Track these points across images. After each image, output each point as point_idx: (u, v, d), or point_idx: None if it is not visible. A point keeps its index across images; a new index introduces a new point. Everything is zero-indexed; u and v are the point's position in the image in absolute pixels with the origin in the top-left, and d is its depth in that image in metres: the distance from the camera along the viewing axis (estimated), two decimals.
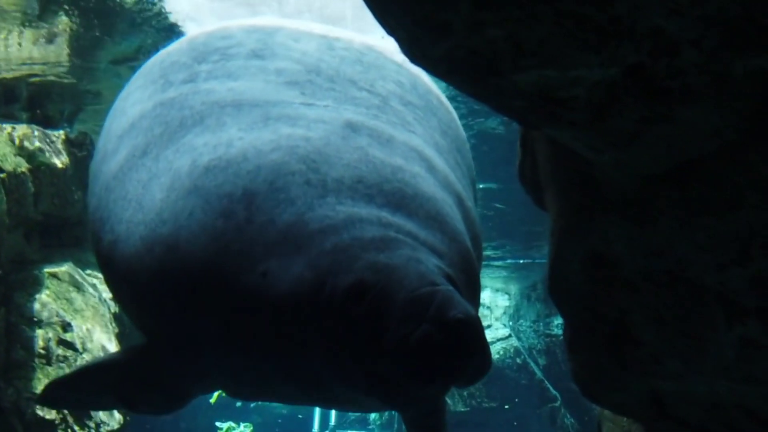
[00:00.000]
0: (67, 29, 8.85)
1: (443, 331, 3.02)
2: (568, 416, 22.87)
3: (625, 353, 3.50)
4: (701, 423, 3.73)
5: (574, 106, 2.89)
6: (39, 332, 9.20)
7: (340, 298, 3.19)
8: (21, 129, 10.37)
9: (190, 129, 3.66)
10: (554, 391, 22.87)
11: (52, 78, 10.05)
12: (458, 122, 4.97)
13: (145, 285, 3.62)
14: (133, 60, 9.42)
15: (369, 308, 3.14)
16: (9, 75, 9.88)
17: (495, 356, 21.47)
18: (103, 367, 4.18)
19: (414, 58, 2.95)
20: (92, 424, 8.80)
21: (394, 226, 3.41)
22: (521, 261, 20.95)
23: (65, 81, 10.18)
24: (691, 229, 3.06)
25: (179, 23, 8.82)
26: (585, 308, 3.53)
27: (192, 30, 8.78)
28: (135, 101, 4.15)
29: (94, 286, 10.10)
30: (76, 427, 8.72)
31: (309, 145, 3.53)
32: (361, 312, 3.15)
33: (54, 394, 4.50)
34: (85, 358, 9.36)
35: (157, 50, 4.72)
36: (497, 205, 15.43)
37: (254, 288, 3.33)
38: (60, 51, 9.30)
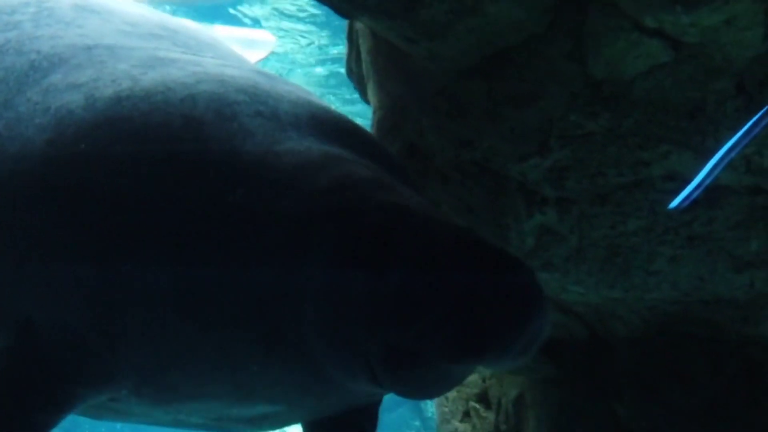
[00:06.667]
0: None
1: (508, 282, 2.37)
2: None
3: None
4: None
5: None
6: None
7: (356, 244, 2.51)
8: None
9: (52, 70, 3.05)
10: None
11: None
12: None
13: (40, 242, 2.80)
14: None
15: (400, 257, 2.44)
16: None
17: None
18: None
19: None
20: None
21: (376, 170, 2.81)
22: None
23: None
24: (497, 121, 3.17)
25: None
26: None
27: None
28: None
29: None
30: None
31: (238, 80, 2.91)
32: (390, 262, 2.44)
33: None
34: None
35: None
36: None
37: (224, 230, 2.61)
38: None
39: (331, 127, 2.89)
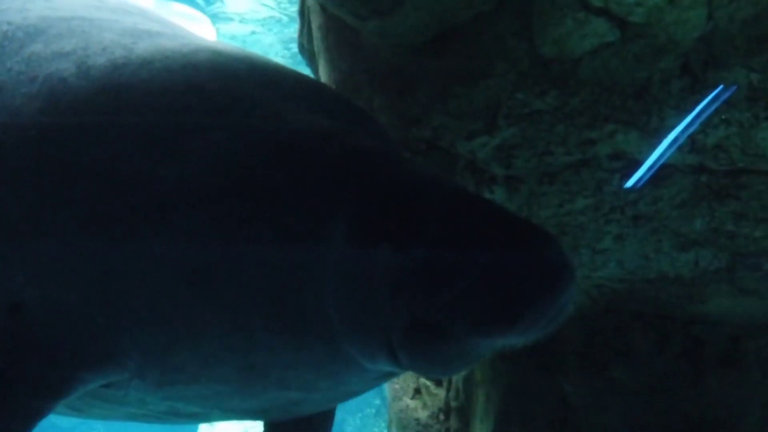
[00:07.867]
0: None
1: (537, 252, 2.27)
2: None
3: None
4: None
5: None
6: None
7: (379, 214, 2.38)
8: None
9: (29, 40, 2.92)
10: None
11: None
12: None
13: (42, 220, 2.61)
14: None
15: (426, 227, 2.33)
16: None
17: None
18: None
19: None
20: None
21: (383, 143, 2.72)
22: None
23: None
24: (446, 99, 3.18)
25: None
26: None
27: None
28: None
29: None
30: None
31: (233, 54, 2.82)
32: (415, 232, 2.33)
33: None
34: None
35: None
36: None
37: (236, 200, 2.49)
38: None
39: (328, 100, 2.81)
